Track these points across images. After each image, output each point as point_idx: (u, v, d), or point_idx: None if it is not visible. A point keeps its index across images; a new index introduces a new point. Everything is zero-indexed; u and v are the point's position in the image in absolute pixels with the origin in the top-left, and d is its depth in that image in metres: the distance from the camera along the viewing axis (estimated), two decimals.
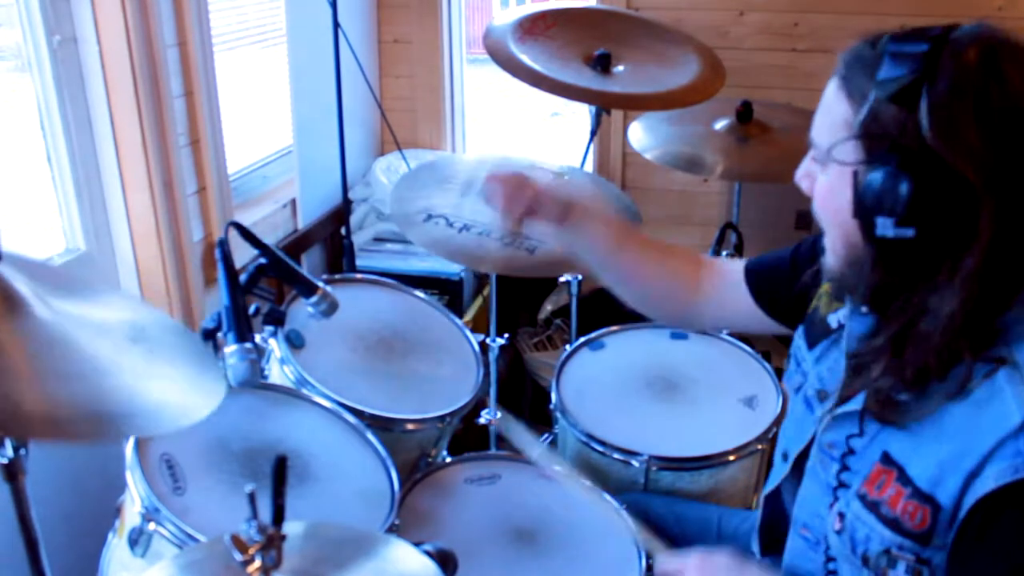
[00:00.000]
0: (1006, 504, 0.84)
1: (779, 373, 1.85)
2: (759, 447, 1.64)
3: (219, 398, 0.96)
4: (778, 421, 1.67)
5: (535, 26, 2.01)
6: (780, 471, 1.18)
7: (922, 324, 0.91)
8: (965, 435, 0.87)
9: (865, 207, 0.89)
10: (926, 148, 0.85)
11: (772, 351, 2.55)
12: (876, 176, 0.87)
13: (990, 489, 0.84)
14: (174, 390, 0.93)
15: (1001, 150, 0.84)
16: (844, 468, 1.02)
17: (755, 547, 1.28)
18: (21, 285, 0.88)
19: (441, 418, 1.54)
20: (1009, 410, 0.85)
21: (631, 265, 1.34)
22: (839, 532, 1.00)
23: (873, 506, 0.95)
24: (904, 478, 0.92)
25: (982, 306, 0.88)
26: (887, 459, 0.95)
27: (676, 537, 1.44)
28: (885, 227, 0.88)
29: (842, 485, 1.02)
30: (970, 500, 0.86)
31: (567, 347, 1.89)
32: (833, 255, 0.99)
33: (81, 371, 0.86)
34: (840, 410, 1.02)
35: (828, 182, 0.95)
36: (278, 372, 1.50)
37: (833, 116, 0.93)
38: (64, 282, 1.02)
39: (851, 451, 1.01)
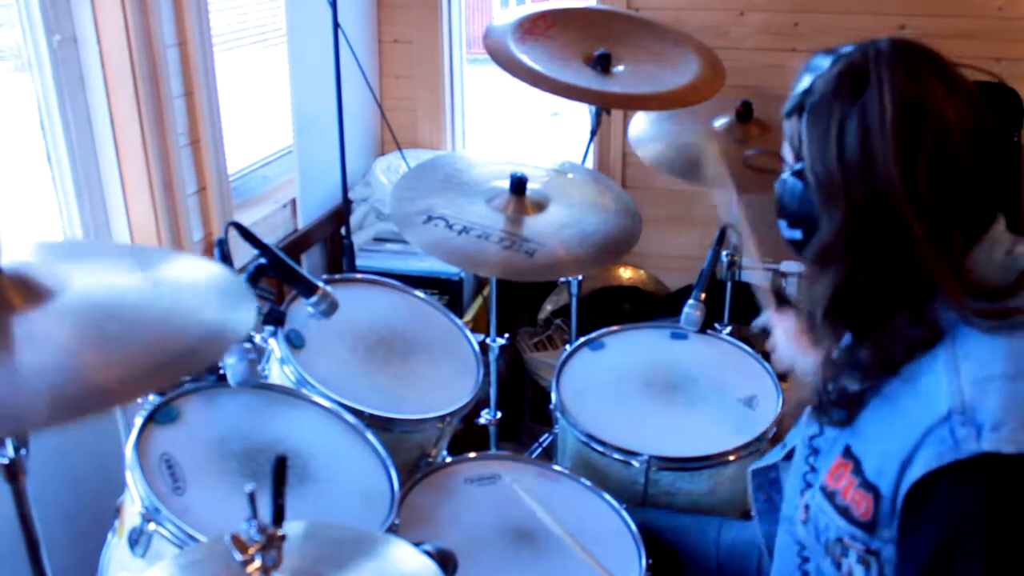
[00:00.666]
0: (931, 490, 0.86)
1: (779, 373, 1.85)
2: (759, 447, 1.64)
3: (252, 309, 0.96)
4: (778, 421, 1.68)
5: (535, 26, 2.01)
6: (775, 455, 1.22)
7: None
8: (904, 425, 0.90)
9: (778, 211, 0.99)
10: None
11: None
12: (781, 182, 0.97)
13: (918, 476, 0.86)
14: (213, 315, 0.93)
15: (854, 163, 0.88)
16: (812, 468, 1.06)
17: (763, 546, 1.29)
18: (34, 270, 0.88)
19: (441, 418, 1.54)
20: (939, 400, 0.87)
21: None
22: (805, 523, 1.03)
23: (831, 496, 0.98)
24: (858, 469, 0.95)
25: (853, 295, 0.92)
26: (848, 452, 0.98)
27: (675, 547, 1.45)
28: (783, 229, 0.97)
29: (809, 485, 1.05)
30: (904, 489, 0.88)
31: (567, 347, 1.89)
32: None
33: (129, 327, 0.86)
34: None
35: None
36: (278, 372, 1.50)
37: None
38: (62, 251, 1.02)
39: (816, 450, 1.06)
